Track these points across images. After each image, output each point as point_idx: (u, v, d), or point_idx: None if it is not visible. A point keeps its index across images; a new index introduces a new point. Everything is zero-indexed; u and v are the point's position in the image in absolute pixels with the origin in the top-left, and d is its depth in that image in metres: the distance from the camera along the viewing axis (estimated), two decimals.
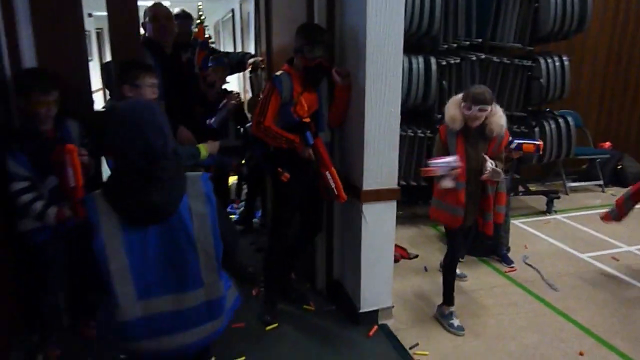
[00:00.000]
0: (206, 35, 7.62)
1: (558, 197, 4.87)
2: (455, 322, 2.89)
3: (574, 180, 5.68)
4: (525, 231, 4.37)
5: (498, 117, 2.68)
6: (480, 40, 4.22)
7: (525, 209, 4.92)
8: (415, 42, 4.15)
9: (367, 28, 2.43)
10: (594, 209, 4.96)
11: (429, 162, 2.65)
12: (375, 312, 2.85)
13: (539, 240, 4.17)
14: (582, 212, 4.88)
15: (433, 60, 4.02)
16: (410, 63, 3.97)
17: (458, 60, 4.15)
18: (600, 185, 5.56)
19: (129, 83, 2.38)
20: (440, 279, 2.94)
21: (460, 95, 2.71)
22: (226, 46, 9.21)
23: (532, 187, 5.34)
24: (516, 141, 3.01)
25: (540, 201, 4.95)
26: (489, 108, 2.62)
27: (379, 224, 2.71)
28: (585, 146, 5.59)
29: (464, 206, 2.67)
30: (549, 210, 4.79)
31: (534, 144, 3.01)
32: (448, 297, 2.93)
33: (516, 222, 4.53)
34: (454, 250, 2.91)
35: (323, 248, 3.14)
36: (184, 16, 3.78)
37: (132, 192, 1.44)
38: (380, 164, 2.63)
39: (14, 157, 2.18)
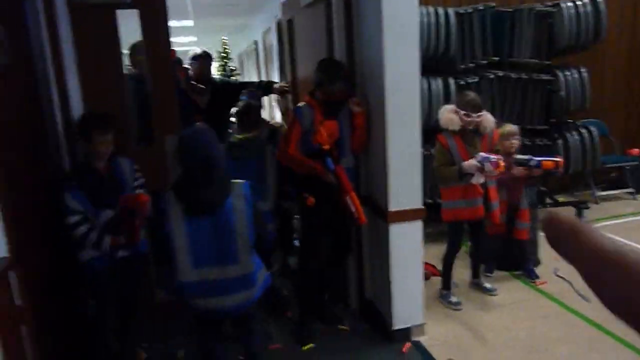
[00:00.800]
0: (231, 67, 7.98)
1: (587, 207, 4.86)
2: (453, 299, 3.34)
3: (604, 189, 5.64)
4: None
5: (487, 115, 3.09)
6: (497, 58, 4.32)
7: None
8: (434, 64, 4.29)
9: (384, 63, 2.60)
10: (626, 217, 4.93)
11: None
12: (408, 329, 2.94)
13: None
14: (613, 221, 4.85)
15: (451, 81, 4.15)
16: (429, 84, 4.11)
17: (476, 80, 4.26)
18: (631, 193, 5.50)
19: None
20: (471, 293, 3.03)
21: (451, 106, 3.15)
22: (251, 74, 9.54)
23: (561, 198, 5.34)
24: (536, 159, 3.09)
25: (570, 212, 4.93)
26: (483, 111, 3.08)
27: (406, 243, 2.82)
28: (612, 154, 5.57)
29: (482, 195, 3.14)
30: None
31: (554, 160, 3.08)
32: (446, 284, 3.41)
33: None
34: (455, 245, 3.38)
35: (354, 268, 3.25)
36: (205, 56, 4.07)
37: (190, 191, 2.03)
38: (405, 185, 2.75)
39: (71, 192, 2.40)
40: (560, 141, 4.55)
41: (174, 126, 2.90)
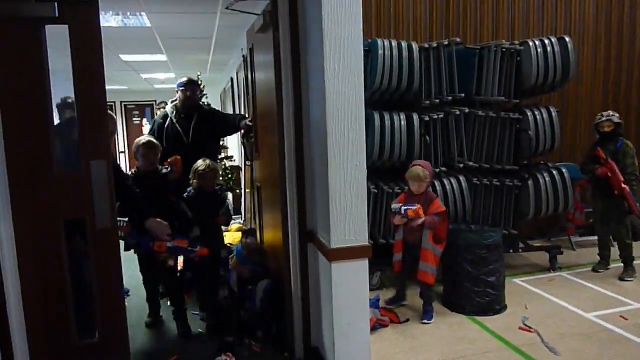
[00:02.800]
0: (205, 102, 7.85)
1: (561, 253, 4.63)
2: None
3: (582, 235, 5.44)
4: (526, 290, 4.11)
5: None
6: (463, 95, 4.18)
7: (528, 267, 4.67)
8: (398, 99, 4.14)
9: (326, 84, 2.41)
10: None
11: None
12: None
13: (542, 299, 3.91)
14: (589, 268, 4.61)
15: (415, 117, 3.98)
16: (392, 120, 3.94)
17: (442, 116, 4.11)
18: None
19: None
20: (427, 341, 2.71)
21: None
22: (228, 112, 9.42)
23: (537, 243, 5.11)
24: (404, 208, 3.42)
25: (545, 258, 4.70)
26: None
27: (351, 284, 2.55)
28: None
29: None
30: (552, 267, 4.54)
31: (412, 210, 3.37)
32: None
33: (517, 281, 4.29)
34: None
35: (300, 313, 2.95)
36: (190, 83, 4.21)
37: None
38: (348, 220, 2.51)
39: None
40: (530, 182, 4.35)
41: (101, 151, 2.67)
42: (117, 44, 6.20)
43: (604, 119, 4.36)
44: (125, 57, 7.43)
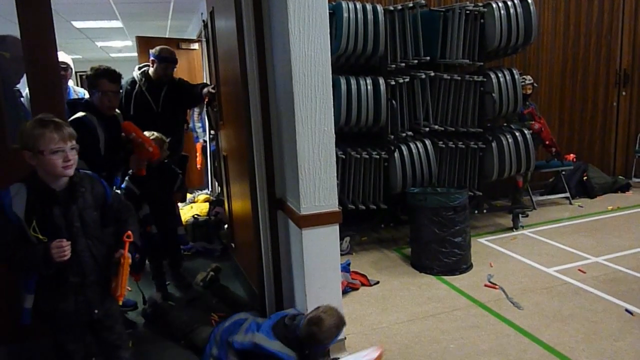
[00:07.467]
0: None
1: (526, 215, 4.79)
2: None
3: (542, 194, 5.62)
4: (491, 249, 4.24)
5: None
6: (428, 58, 4.18)
7: (492, 226, 4.81)
8: (364, 63, 4.10)
9: (291, 46, 2.34)
10: (562, 222, 4.88)
11: None
12: None
13: (505, 257, 4.04)
14: (549, 225, 4.78)
15: (381, 81, 3.96)
16: (358, 85, 3.91)
17: (407, 79, 4.10)
18: (567, 198, 5.50)
19: None
20: (400, 303, 2.77)
21: None
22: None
23: (498, 203, 5.26)
24: None
25: (507, 217, 4.85)
26: None
27: (322, 250, 2.55)
28: (552, 160, 5.54)
29: None
30: (515, 225, 4.68)
31: None
32: None
33: (482, 240, 4.41)
34: None
35: (271, 280, 2.96)
36: (172, 61, 4.09)
37: None
38: (317, 186, 2.49)
39: None
40: (494, 144, 4.43)
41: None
42: (69, 9, 5.87)
43: (527, 82, 4.99)
44: (77, 24, 7.07)
